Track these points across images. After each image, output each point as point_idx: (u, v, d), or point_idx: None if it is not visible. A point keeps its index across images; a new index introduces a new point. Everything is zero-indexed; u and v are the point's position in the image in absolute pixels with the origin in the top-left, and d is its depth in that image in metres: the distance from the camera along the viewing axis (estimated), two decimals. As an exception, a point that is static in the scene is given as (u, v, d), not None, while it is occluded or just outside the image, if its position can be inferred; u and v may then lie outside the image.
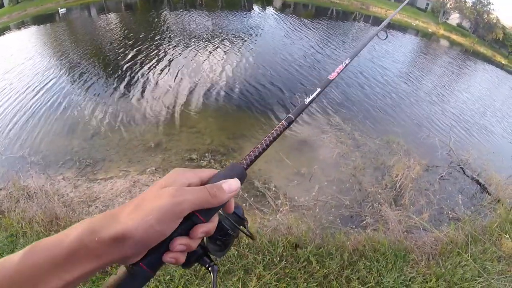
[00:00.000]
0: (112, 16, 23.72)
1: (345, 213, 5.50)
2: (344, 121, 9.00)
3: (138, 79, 11.06)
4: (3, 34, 19.90)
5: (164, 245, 0.51)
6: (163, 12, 24.61)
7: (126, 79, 11.01)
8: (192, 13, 23.88)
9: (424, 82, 15.54)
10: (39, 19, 23.28)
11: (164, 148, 7.23)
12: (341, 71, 0.99)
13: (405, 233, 4.39)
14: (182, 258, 0.53)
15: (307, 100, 0.81)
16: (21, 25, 22.75)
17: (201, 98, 9.77)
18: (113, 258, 0.47)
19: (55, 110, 8.94)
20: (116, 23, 20.82)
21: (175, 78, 11.17)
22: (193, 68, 12.11)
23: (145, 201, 0.50)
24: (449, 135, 9.16)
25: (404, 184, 6.18)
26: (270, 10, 30.74)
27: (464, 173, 7.50)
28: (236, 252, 3.34)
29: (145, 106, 9.16)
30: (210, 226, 0.54)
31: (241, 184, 0.58)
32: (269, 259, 3.30)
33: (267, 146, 0.68)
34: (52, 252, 0.45)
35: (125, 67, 12.08)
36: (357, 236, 3.97)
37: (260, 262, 3.25)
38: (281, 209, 4.71)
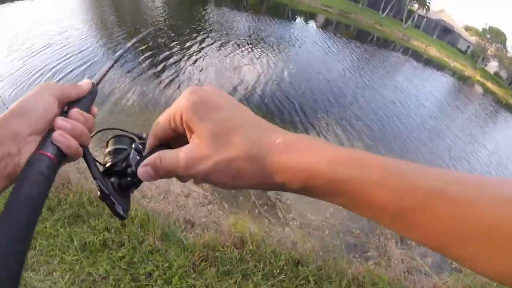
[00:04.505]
0: (157, 1, 24.13)
1: (350, 241, 5.48)
2: (367, 149, 8.95)
3: (170, 69, 11.17)
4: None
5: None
6: (208, 7, 24.93)
7: (158, 68, 11.06)
8: (236, 13, 24.18)
9: (453, 127, 15.29)
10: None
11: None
12: None
13: (406, 273, 4.36)
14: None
15: None
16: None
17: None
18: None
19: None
20: (159, 9, 21.14)
21: (206, 74, 11.28)
22: (225, 68, 12.22)
23: None
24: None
25: (413, 224, 6.10)
26: (312, 24, 30.89)
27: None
28: (239, 255, 3.40)
29: (171, 97, 9.30)
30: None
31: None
32: (269, 269, 3.33)
33: None
34: None
35: (159, 56, 12.10)
36: (359, 266, 3.97)
37: (260, 270, 3.29)
38: (290, 223, 4.75)
